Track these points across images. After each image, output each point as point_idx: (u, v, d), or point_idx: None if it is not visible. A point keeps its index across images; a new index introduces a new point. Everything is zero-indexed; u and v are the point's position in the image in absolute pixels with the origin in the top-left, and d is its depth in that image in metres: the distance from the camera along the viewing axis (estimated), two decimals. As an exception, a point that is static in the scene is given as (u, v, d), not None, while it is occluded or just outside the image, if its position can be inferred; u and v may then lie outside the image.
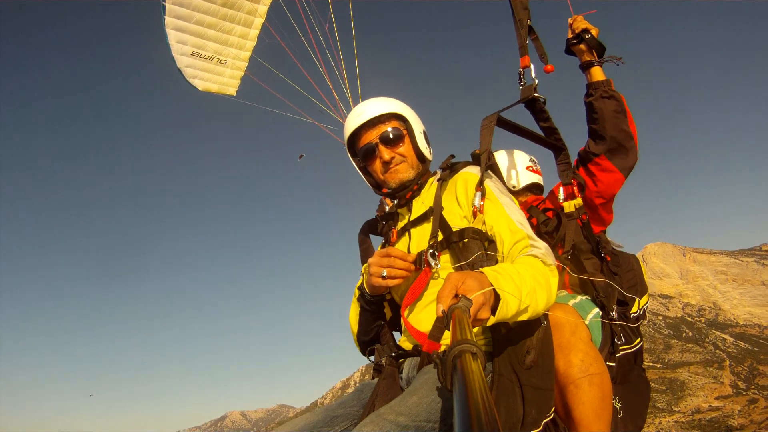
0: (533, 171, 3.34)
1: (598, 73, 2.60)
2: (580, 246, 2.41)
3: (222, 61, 5.25)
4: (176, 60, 5.00)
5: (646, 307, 2.49)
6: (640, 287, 2.49)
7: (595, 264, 2.41)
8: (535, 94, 2.36)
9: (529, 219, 2.62)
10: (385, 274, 1.94)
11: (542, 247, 1.81)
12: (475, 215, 1.95)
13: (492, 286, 1.44)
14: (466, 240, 1.91)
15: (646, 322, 2.54)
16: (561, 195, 2.50)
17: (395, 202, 2.24)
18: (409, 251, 2.07)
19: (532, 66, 2.40)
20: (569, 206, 2.45)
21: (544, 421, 1.73)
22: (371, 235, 2.40)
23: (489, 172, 2.12)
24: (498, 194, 2.00)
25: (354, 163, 2.27)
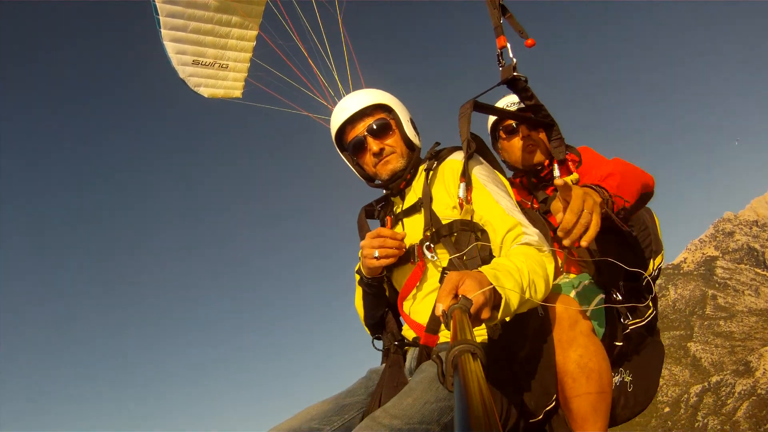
0: None
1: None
2: None
3: (223, 66, 5.19)
4: (178, 71, 4.89)
5: (662, 266, 2.35)
6: (654, 246, 2.34)
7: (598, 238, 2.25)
8: (515, 74, 2.26)
9: (532, 197, 2.61)
10: (377, 254, 1.95)
11: (535, 233, 1.84)
12: (461, 206, 1.95)
13: (491, 285, 1.42)
14: (456, 233, 1.93)
15: (659, 283, 2.32)
16: (556, 172, 2.45)
17: (389, 190, 2.25)
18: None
19: (509, 45, 2.32)
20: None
21: (546, 409, 1.77)
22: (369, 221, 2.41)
23: (476, 156, 2.13)
24: (485, 181, 2.00)
25: (344, 158, 2.29)
